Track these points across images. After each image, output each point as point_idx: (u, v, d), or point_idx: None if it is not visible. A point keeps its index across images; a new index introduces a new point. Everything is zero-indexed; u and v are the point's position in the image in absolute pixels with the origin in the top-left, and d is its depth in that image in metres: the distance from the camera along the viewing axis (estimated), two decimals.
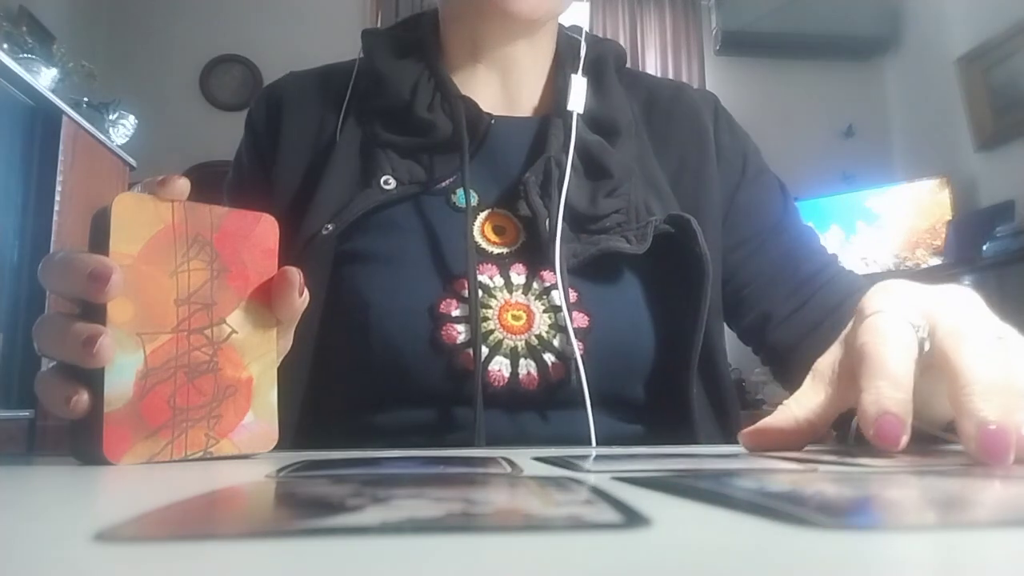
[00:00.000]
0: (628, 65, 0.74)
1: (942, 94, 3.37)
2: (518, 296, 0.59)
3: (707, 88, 1.62)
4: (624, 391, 0.60)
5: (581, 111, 0.65)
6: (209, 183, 0.54)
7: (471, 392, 0.55)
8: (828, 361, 0.39)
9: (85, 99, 2.54)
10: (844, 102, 3.80)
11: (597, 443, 0.56)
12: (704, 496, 0.21)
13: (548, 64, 0.71)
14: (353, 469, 0.31)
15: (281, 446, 0.41)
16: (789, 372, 0.65)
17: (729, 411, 0.64)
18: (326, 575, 0.13)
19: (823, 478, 0.26)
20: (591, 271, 0.60)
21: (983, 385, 0.31)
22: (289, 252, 0.51)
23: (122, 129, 2.75)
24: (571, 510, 0.19)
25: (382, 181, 0.61)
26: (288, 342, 0.47)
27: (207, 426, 0.38)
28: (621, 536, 0.15)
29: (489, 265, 0.60)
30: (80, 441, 0.36)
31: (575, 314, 0.58)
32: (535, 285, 0.60)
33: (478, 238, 0.61)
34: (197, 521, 0.19)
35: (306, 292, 0.41)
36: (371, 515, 0.17)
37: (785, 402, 0.38)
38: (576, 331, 0.57)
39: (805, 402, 0.38)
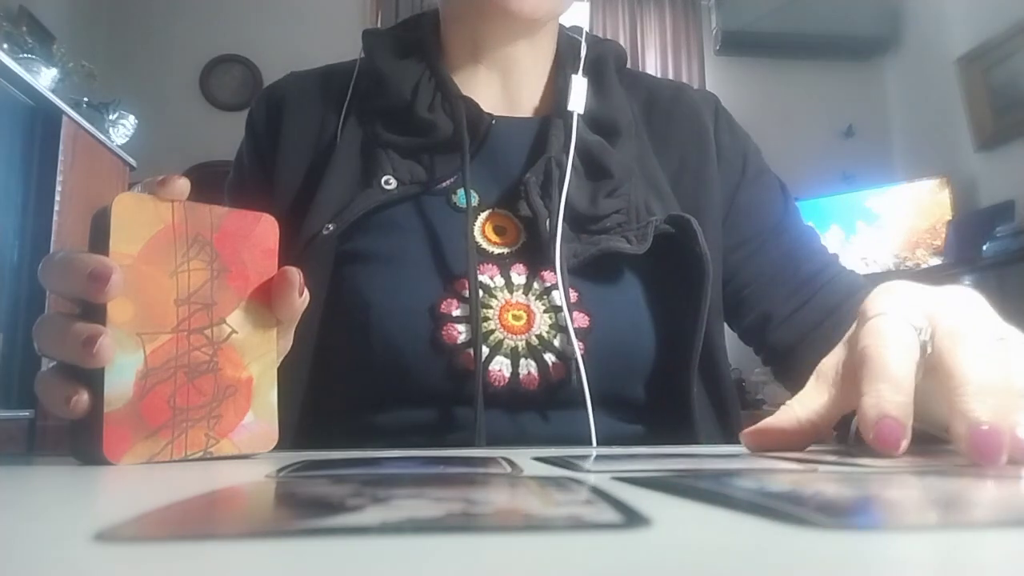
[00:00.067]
0: (628, 65, 0.74)
1: (942, 94, 3.37)
2: (519, 296, 0.59)
3: (707, 88, 1.62)
4: (624, 391, 0.60)
5: (581, 111, 0.65)
6: (209, 183, 0.54)
7: (471, 392, 0.55)
8: (832, 362, 0.39)
9: (85, 99, 2.54)
10: (844, 102, 3.80)
11: (597, 443, 0.56)
12: (704, 496, 0.21)
13: (549, 64, 0.71)
14: (353, 469, 0.31)
15: (281, 446, 0.41)
16: (790, 372, 0.65)
17: (730, 411, 0.64)
18: (326, 575, 0.13)
19: (823, 478, 0.26)
20: (591, 271, 0.60)
21: (976, 385, 0.31)
22: (290, 252, 0.51)
23: (122, 129, 2.75)
24: (571, 510, 0.19)
25: (383, 181, 0.61)
26: (288, 342, 0.47)
27: (207, 426, 0.38)
28: (621, 536, 0.15)
29: (490, 265, 0.60)
30: (80, 441, 0.36)
31: (575, 314, 0.58)
32: (536, 285, 0.60)
33: (479, 238, 0.61)
34: (197, 521, 0.19)
35: (306, 292, 0.41)
36: (371, 515, 0.17)
37: (788, 402, 0.38)
38: (577, 331, 0.57)
39: (808, 403, 0.38)
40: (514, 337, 0.57)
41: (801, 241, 0.70)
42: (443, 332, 0.56)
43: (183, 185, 0.38)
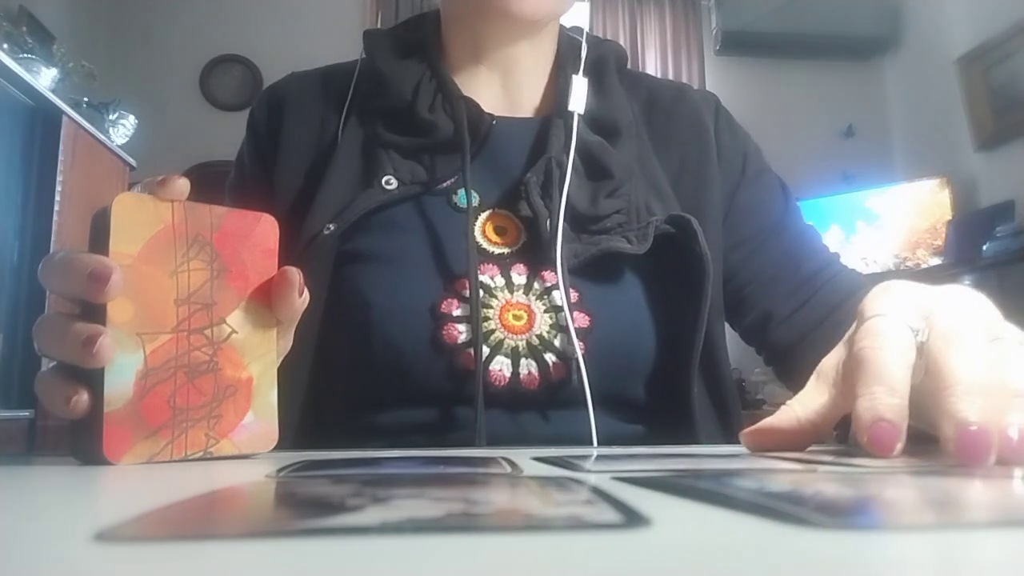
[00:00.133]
0: (628, 66, 0.74)
1: (942, 94, 3.37)
2: (519, 296, 0.59)
3: (707, 88, 1.62)
4: (625, 391, 0.60)
5: (582, 112, 0.65)
6: (209, 183, 0.54)
7: (472, 392, 0.55)
8: (832, 362, 0.39)
9: (85, 99, 2.54)
10: (844, 102, 3.80)
11: (598, 443, 0.56)
12: (704, 496, 0.21)
13: (549, 65, 0.71)
14: (353, 469, 0.31)
15: (281, 446, 0.41)
16: (791, 372, 0.65)
17: (731, 411, 0.65)
18: (326, 575, 0.13)
19: (823, 478, 0.26)
20: (592, 271, 0.60)
21: (965, 386, 0.30)
22: (291, 252, 0.51)
23: (122, 129, 2.75)
24: (571, 510, 0.19)
25: (384, 181, 0.61)
26: (288, 342, 0.47)
27: (207, 426, 0.38)
28: (621, 536, 0.15)
29: (490, 265, 0.60)
30: (80, 441, 0.36)
31: (576, 314, 0.58)
32: (536, 285, 0.60)
33: (479, 238, 0.61)
34: (197, 521, 0.19)
35: (306, 292, 0.41)
36: (371, 515, 0.17)
37: (788, 402, 0.38)
38: (577, 331, 0.57)
39: (808, 403, 0.38)
40: (514, 337, 0.58)
41: (802, 240, 0.70)
42: (443, 332, 0.57)
43: (183, 185, 0.38)
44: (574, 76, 0.66)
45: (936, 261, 3.17)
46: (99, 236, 0.36)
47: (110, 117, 2.69)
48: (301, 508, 0.21)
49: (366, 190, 0.61)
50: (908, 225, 3.35)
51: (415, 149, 0.63)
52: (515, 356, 0.57)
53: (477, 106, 0.64)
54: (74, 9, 3.18)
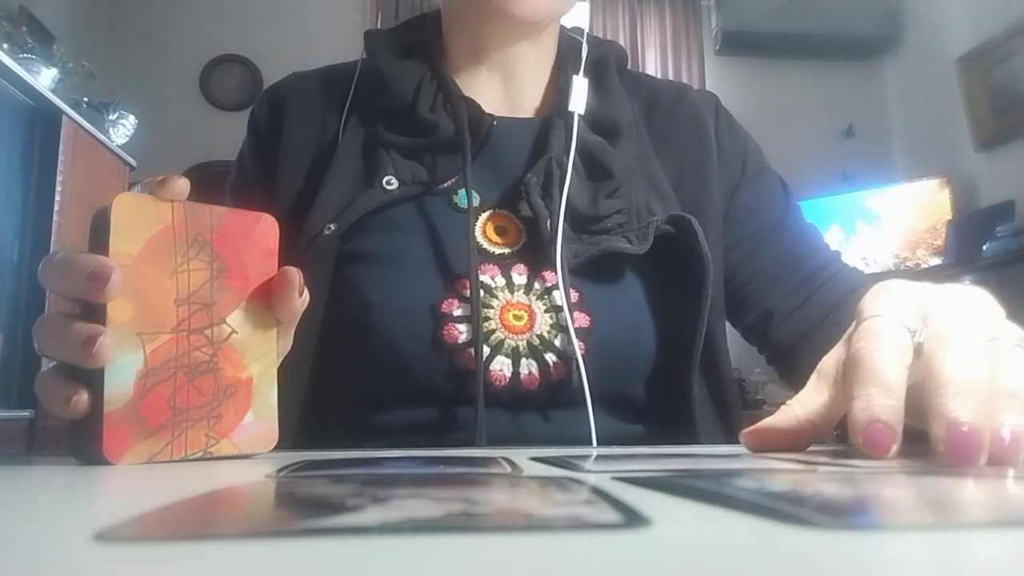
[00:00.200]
0: (629, 66, 0.74)
1: (942, 94, 3.37)
2: (519, 296, 0.59)
3: (707, 88, 1.62)
4: (625, 391, 0.60)
5: (582, 112, 0.65)
6: (209, 183, 0.54)
7: (472, 392, 0.55)
8: (832, 361, 0.38)
9: (85, 99, 2.54)
10: (844, 102, 3.80)
11: (598, 443, 0.56)
12: (704, 496, 0.21)
13: (550, 65, 0.71)
14: (353, 469, 0.31)
15: (281, 446, 0.41)
16: (792, 370, 0.65)
17: (731, 411, 0.65)
18: (326, 575, 0.13)
19: (823, 478, 0.26)
20: (592, 271, 0.60)
21: (956, 386, 0.30)
22: (291, 252, 0.51)
23: (122, 129, 2.75)
24: (571, 510, 0.19)
25: (384, 181, 0.61)
26: (288, 342, 0.47)
27: (207, 426, 0.38)
28: (621, 536, 0.15)
29: (491, 265, 0.60)
30: (80, 441, 0.36)
31: (576, 314, 0.58)
32: (536, 285, 0.60)
33: (480, 238, 0.61)
34: (197, 521, 0.20)
35: (306, 292, 0.41)
36: (371, 515, 0.17)
37: (788, 402, 0.38)
38: (577, 331, 0.57)
39: (807, 402, 0.38)
40: (515, 337, 0.58)
41: (803, 239, 0.70)
42: (444, 332, 0.57)
43: (183, 185, 0.38)
44: (574, 76, 0.66)
45: (936, 261, 3.17)
46: (99, 236, 0.36)
47: (110, 117, 2.69)
48: (301, 508, 0.21)
49: (367, 190, 0.61)
50: (908, 225, 3.35)
51: (416, 149, 0.63)
52: (515, 356, 0.57)
53: (478, 106, 0.64)
54: (74, 9, 3.18)
